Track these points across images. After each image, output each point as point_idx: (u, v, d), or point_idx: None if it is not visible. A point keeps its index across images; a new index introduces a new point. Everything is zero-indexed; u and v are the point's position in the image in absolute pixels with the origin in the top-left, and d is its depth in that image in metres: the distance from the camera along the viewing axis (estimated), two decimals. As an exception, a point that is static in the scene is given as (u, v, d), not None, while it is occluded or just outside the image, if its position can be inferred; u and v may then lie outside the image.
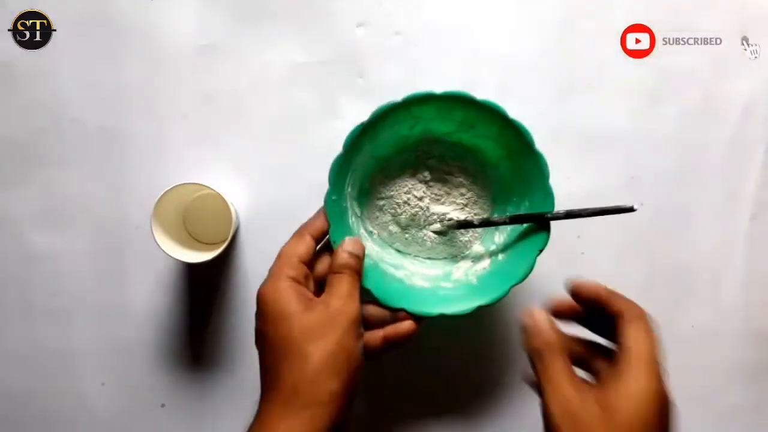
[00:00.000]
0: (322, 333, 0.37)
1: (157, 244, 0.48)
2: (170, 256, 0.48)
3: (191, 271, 0.55)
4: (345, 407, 0.37)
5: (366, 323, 0.43)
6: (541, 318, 0.36)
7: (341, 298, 0.39)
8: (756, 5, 0.55)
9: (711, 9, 0.54)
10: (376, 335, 0.42)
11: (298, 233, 0.44)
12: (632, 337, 0.35)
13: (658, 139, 0.55)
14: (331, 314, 0.38)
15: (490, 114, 0.44)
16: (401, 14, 0.55)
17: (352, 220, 0.48)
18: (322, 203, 0.44)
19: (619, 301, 0.37)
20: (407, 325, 0.43)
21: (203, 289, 0.55)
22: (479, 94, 0.45)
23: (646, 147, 0.55)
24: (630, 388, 0.33)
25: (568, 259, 0.55)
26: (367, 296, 0.44)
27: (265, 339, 0.39)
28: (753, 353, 0.55)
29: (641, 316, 0.36)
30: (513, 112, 0.45)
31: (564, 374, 0.34)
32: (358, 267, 0.42)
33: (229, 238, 0.49)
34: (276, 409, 0.36)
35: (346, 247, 0.42)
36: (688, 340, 0.55)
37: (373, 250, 0.49)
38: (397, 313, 0.44)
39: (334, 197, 0.44)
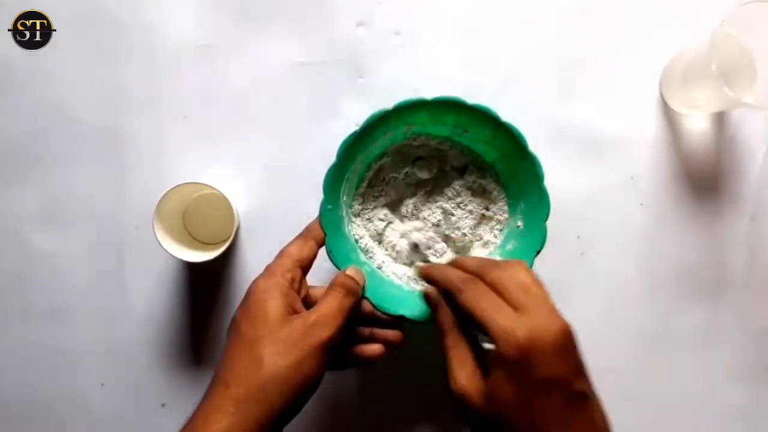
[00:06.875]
0: (286, 349, 0.37)
1: (160, 244, 0.48)
2: (173, 255, 0.48)
3: (191, 271, 0.55)
4: (281, 420, 0.37)
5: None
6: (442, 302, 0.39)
7: (323, 318, 0.39)
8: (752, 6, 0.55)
9: (708, 8, 0.54)
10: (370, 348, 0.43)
11: (303, 236, 0.44)
12: (471, 308, 0.35)
13: (658, 139, 0.55)
14: (303, 333, 0.38)
15: (482, 117, 0.44)
16: (401, 14, 0.55)
17: (348, 228, 0.48)
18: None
19: (447, 283, 0.38)
20: (394, 334, 0.44)
21: (203, 289, 0.55)
22: (479, 95, 0.44)
23: (646, 147, 0.55)
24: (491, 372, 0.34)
25: (568, 260, 0.55)
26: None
27: (237, 330, 0.39)
28: (753, 353, 0.55)
29: (460, 289, 0.36)
30: (512, 112, 0.44)
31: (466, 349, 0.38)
32: (355, 289, 0.42)
33: (231, 237, 0.49)
34: (217, 402, 0.36)
35: (348, 271, 0.43)
36: (688, 340, 0.55)
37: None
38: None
39: (329, 207, 0.44)
